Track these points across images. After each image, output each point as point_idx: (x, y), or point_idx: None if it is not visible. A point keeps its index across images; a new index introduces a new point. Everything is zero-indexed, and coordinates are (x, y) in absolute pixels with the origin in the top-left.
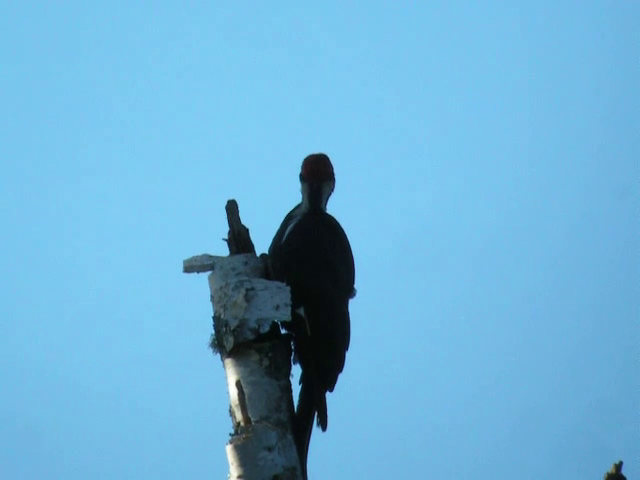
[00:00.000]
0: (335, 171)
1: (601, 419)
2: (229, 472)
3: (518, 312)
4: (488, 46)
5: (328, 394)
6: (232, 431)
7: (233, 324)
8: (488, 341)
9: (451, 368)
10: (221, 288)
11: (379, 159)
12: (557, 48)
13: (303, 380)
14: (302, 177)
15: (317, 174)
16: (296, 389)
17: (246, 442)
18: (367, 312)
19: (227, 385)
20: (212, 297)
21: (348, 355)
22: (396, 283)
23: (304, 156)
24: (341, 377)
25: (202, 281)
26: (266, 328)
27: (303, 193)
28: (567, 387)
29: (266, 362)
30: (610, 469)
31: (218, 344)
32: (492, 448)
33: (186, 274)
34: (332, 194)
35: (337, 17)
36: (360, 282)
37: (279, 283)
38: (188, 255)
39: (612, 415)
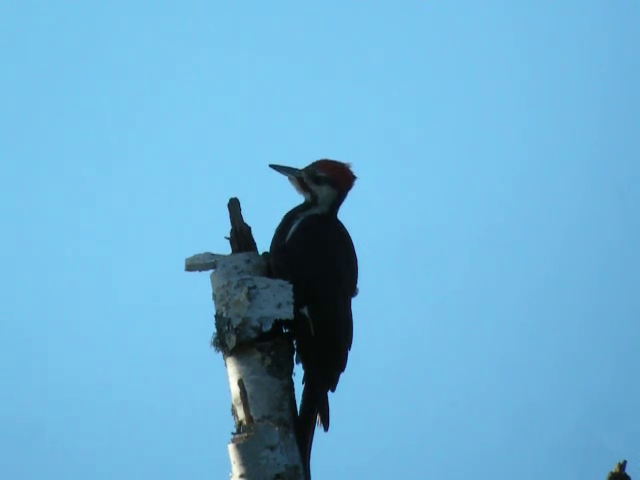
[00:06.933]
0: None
1: (601, 419)
2: (231, 471)
3: (517, 311)
4: (487, 46)
5: (330, 394)
6: (234, 430)
7: (235, 322)
8: (487, 340)
9: (450, 367)
10: (223, 286)
11: (378, 158)
12: (556, 47)
13: (305, 379)
14: (327, 180)
15: (351, 183)
16: (299, 388)
17: (248, 441)
18: (367, 311)
19: (229, 384)
20: (214, 295)
21: (349, 354)
22: (395, 282)
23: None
24: (342, 376)
25: (204, 279)
26: (268, 326)
27: (323, 195)
28: (567, 387)
29: (268, 361)
30: (614, 468)
31: (220, 343)
32: (492, 447)
33: (188, 272)
34: None
35: (334, 19)
36: (360, 281)
37: (281, 281)
38: (190, 253)
39: (612, 415)
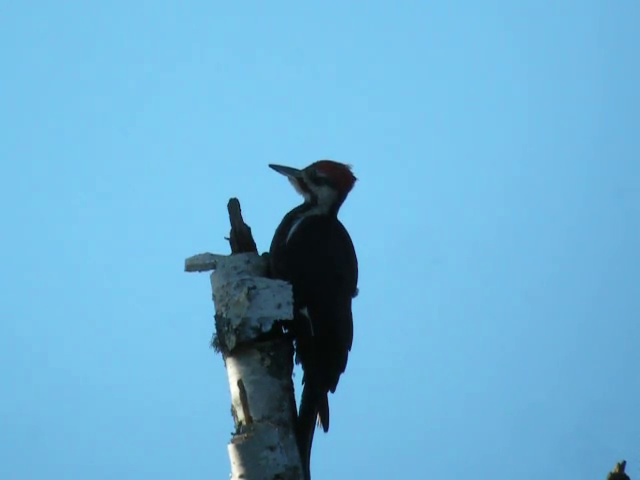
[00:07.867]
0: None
1: (601, 419)
2: (231, 471)
3: (518, 311)
4: (486, 46)
5: (330, 394)
6: (234, 430)
7: (235, 323)
8: (487, 340)
9: (450, 368)
10: (223, 287)
11: (378, 159)
12: (556, 47)
13: (305, 380)
14: (327, 181)
15: (351, 184)
16: (299, 388)
17: (248, 441)
18: (367, 311)
19: (229, 384)
20: (214, 296)
21: (350, 355)
22: (395, 282)
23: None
24: (342, 377)
25: (204, 280)
26: (268, 327)
27: (323, 196)
28: (567, 387)
29: (268, 361)
30: (613, 468)
31: (220, 343)
32: (492, 448)
33: (188, 273)
34: None
35: (335, 19)
36: (360, 281)
37: (281, 281)
38: (190, 254)
39: (612, 415)
